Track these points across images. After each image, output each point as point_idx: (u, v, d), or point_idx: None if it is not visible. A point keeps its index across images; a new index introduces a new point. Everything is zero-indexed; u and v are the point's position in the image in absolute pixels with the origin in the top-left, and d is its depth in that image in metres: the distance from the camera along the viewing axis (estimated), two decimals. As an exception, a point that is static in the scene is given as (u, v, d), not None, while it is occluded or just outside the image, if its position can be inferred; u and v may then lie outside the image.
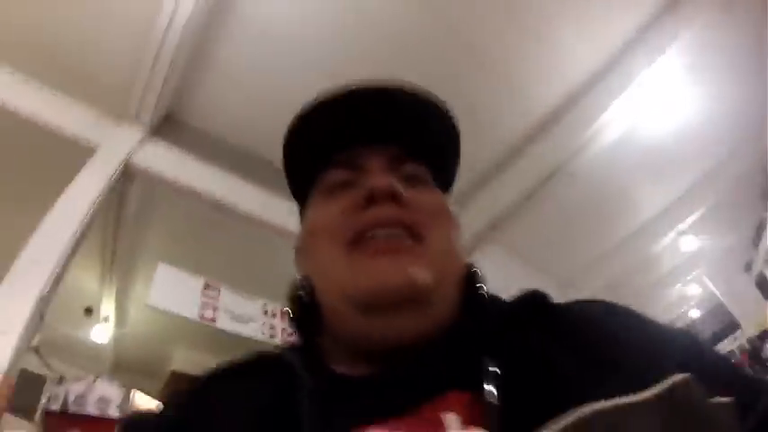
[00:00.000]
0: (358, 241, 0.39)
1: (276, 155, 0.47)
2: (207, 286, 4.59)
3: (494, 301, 0.42)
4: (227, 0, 2.94)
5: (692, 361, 0.33)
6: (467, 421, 0.31)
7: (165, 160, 3.63)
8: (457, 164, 0.48)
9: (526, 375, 0.33)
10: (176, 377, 8.16)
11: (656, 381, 0.28)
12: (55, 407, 4.18)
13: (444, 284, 0.39)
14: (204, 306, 4.38)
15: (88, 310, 7.53)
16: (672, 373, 0.28)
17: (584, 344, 0.35)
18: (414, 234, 0.39)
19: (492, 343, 0.35)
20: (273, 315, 4.40)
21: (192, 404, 0.43)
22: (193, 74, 3.44)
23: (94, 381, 4.29)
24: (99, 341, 7.51)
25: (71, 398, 4.15)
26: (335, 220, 0.41)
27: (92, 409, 4.08)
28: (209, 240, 5.57)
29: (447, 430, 0.31)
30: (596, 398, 0.27)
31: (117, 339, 8.26)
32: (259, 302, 4.43)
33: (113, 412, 4.10)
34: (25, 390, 5.58)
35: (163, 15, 2.77)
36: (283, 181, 0.49)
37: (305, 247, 0.45)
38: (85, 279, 6.66)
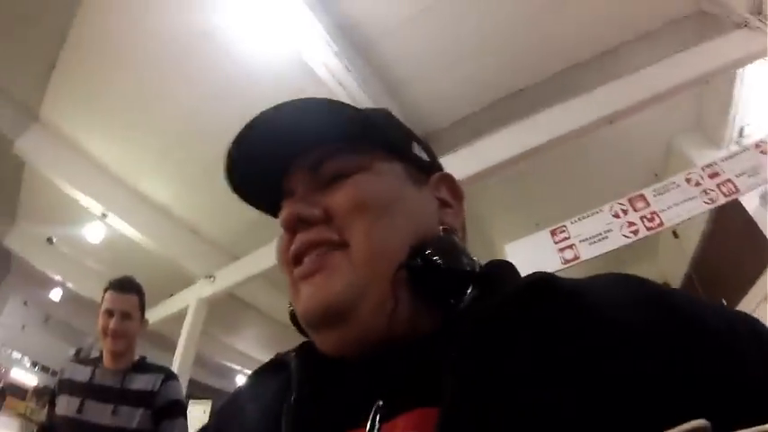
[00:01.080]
0: (290, 272, 0.40)
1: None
2: (554, 232, 4.64)
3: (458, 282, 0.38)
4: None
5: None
6: None
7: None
8: (384, 132, 0.44)
9: (479, 395, 0.27)
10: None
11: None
12: None
13: (374, 285, 0.36)
14: (562, 251, 4.43)
15: None
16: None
17: (579, 352, 0.27)
18: (331, 245, 0.38)
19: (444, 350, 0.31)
20: (624, 211, 4.05)
21: (226, 408, 0.47)
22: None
23: None
24: None
25: None
26: (280, 256, 0.42)
27: None
28: (530, 194, 5.76)
29: None
30: None
31: None
32: (603, 212, 4.16)
33: None
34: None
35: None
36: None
37: None
38: None
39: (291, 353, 0.44)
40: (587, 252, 4.19)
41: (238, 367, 14.35)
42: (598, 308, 0.29)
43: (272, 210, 0.46)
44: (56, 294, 12.35)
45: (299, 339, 0.44)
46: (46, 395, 3.56)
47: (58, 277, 11.62)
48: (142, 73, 4.91)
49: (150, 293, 7.12)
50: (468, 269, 0.39)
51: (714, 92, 4.50)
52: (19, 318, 17.69)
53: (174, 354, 8.17)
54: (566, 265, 4.32)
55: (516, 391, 0.26)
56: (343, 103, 0.41)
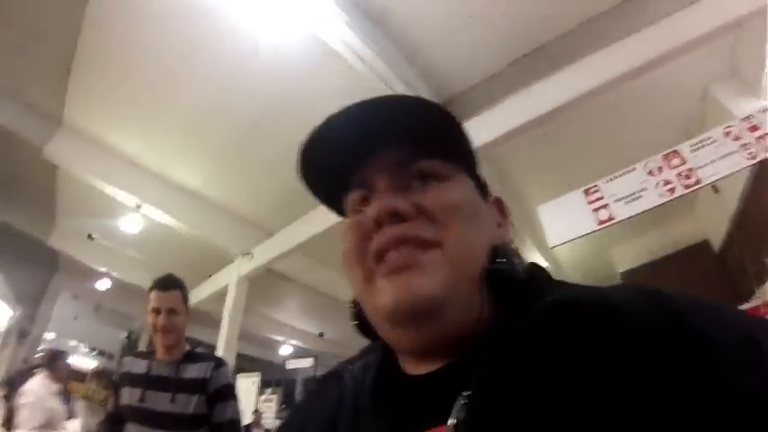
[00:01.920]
0: (376, 268, 0.40)
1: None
2: (587, 192, 4.52)
3: (523, 294, 0.38)
4: None
5: None
6: None
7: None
8: (465, 147, 0.45)
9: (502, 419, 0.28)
10: (628, 275, 8.26)
11: None
12: None
13: (463, 284, 0.38)
14: (596, 211, 4.30)
15: None
16: None
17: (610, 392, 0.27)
18: (423, 243, 0.38)
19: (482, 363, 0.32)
20: (659, 169, 3.88)
21: (288, 428, 0.51)
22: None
23: None
24: None
25: None
26: (355, 248, 0.42)
27: None
28: (561, 154, 5.62)
29: None
30: None
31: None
32: (637, 170, 4.00)
33: None
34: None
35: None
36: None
37: (344, 268, 0.44)
38: None
39: (347, 365, 0.48)
40: (622, 212, 4.07)
41: (282, 338, 14.88)
42: (624, 337, 0.29)
43: (330, 198, 0.47)
44: (102, 284, 13.13)
45: (337, 309, 0.44)
46: (104, 377, 3.81)
47: (102, 269, 12.26)
48: (156, 63, 4.96)
49: (191, 275, 7.50)
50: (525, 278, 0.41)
51: (749, 37, 4.19)
52: (71, 309, 18.79)
53: (218, 330, 8.61)
54: (600, 226, 4.21)
55: (534, 416, 0.27)
56: (433, 104, 0.42)
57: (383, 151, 0.43)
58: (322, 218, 6.38)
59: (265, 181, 6.63)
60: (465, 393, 0.32)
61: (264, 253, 7.81)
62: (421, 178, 0.42)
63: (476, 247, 0.40)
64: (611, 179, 4.18)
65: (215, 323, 9.09)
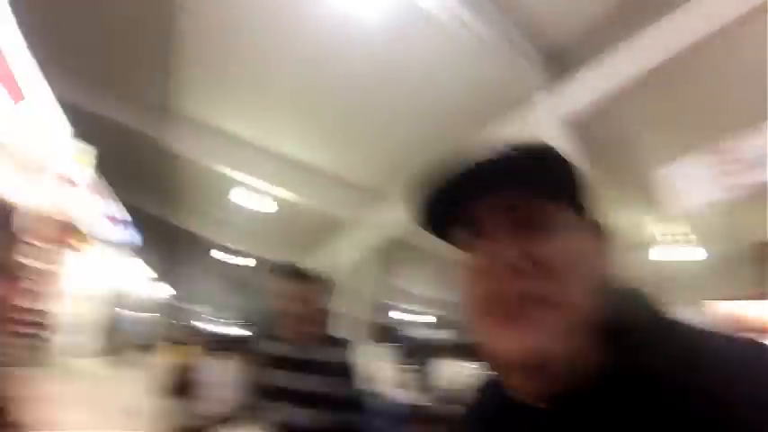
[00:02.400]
0: (487, 313, 0.41)
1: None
2: (715, 152, 3.91)
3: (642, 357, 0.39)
4: None
5: None
6: None
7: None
8: (574, 184, 0.45)
9: None
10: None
11: None
12: None
13: (573, 336, 0.40)
14: (724, 176, 3.70)
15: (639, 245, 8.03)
16: None
17: None
18: (540, 300, 0.39)
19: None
20: None
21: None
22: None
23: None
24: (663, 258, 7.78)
25: None
26: (469, 294, 0.43)
27: None
28: (683, 110, 4.92)
29: None
30: None
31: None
32: None
33: None
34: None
35: None
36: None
37: (461, 304, 0.46)
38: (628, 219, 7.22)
39: (477, 402, 0.55)
40: (754, 176, 3.48)
41: (411, 307, 15.49)
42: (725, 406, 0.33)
43: (437, 229, 0.49)
44: (233, 260, 14.64)
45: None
46: (250, 342, 4.22)
47: (231, 246, 13.62)
48: (255, 42, 5.13)
49: (309, 244, 8.55)
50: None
51: None
52: (211, 284, 21.30)
53: (341, 299, 8.92)
54: (730, 194, 3.60)
55: None
56: (545, 147, 0.43)
57: (494, 193, 0.43)
58: None
59: (379, 148, 6.66)
60: None
61: (383, 220, 7.82)
62: (531, 222, 0.42)
63: (585, 297, 0.41)
64: (744, 138, 3.56)
65: (341, 294, 9.19)
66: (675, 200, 4.09)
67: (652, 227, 7.42)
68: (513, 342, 0.38)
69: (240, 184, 8.44)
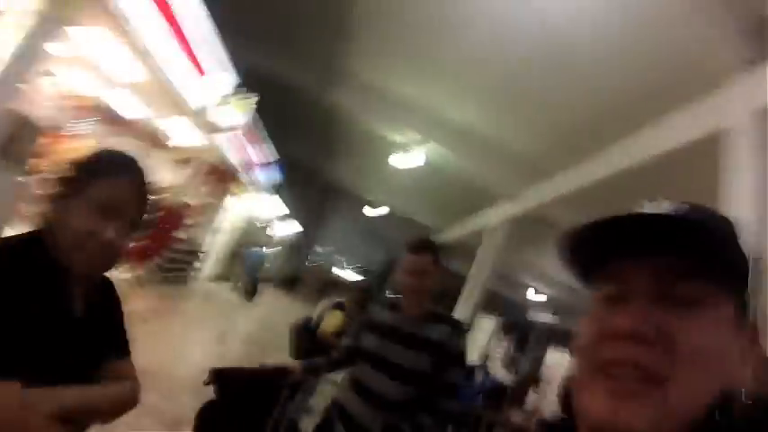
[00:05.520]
0: (598, 371, 0.41)
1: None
2: None
3: None
4: None
5: None
6: None
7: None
8: (741, 269, 0.42)
9: None
10: None
11: None
12: None
13: (673, 426, 0.38)
14: None
15: None
16: None
17: None
18: (651, 376, 0.38)
19: None
20: None
21: None
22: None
23: None
24: None
25: None
26: (588, 344, 0.43)
27: None
28: None
29: None
30: None
31: None
32: None
33: None
34: None
35: None
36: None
37: (575, 352, 0.45)
38: None
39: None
40: None
41: (532, 283, 15.14)
42: None
43: (580, 270, 0.48)
44: (373, 212, 15.13)
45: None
46: (359, 291, 4.37)
47: (372, 198, 14.39)
48: (426, 8, 5.03)
49: (456, 208, 9.40)
50: None
51: None
52: (343, 228, 23.18)
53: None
54: None
55: None
56: (721, 218, 0.43)
57: (654, 256, 0.41)
58: (597, 167, 5.64)
59: (540, 120, 6.19)
60: None
61: (531, 197, 7.51)
62: (681, 299, 0.40)
63: (704, 392, 0.39)
64: None
65: (471, 257, 9.37)
66: None
67: None
68: (611, 411, 0.38)
69: (397, 144, 8.60)
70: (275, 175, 10.76)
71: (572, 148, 6.04)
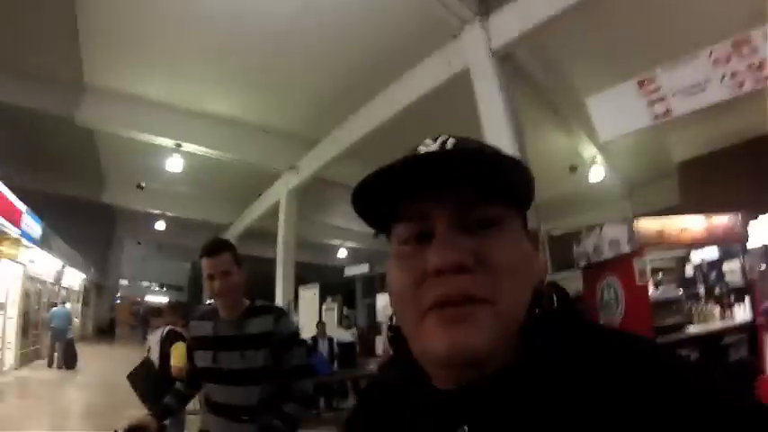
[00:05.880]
0: (428, 311, 0.41)
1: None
2: (642, 83, 4.10)
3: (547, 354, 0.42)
4: None
5: None
6: None
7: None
8: (530, 196, 0.47)
9: None
10: (686, 165, 7.78)
11: None
12: (582, 262, 5.01)
13: (508, 336, 0.42)
14: (651, 105, 3.90)
15: (572, 168, 8.51)
16: None
17: None
18: (479, 299, 0.40)
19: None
20: (726, 58, 3.33)
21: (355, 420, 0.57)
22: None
23: (600, 230, 4.66)
24: (597, 179, 8.35)
25: (590, 251, 4.81)
26: (408, 291, 0.43)
27: (608, 253, 4.54)
28: (614, 40, 5.05)
29: None
30: None
31: (616, 170, 8.84)
32: (701, 59, 3.51)
33: (625, 248, 4.37)
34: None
35: None
36: None
37: (392, 305, 0.46)
38: (561, 141, 7.71)
39: (383, 378, 0.57)
40: (681, 106, 3.68)
41: (339, 242, 15.67)
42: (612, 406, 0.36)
43: (374, 220, 0.47)
44: (161, 225, 13.98)
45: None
46: (177, 308, 4.13)
47: (157, 211, 13.05)
48: (163, 7, 4.75)
49: (242, 196, 9.15)
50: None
51: None
52: (138, 254, 20.54)
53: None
54: (657, 121, 3.86)
55: None
56: (500, 151, 0.43)
57: (448, 190, 0.42)
58: (363, 122, 6.32)
59: (300, 93, 6.52)
60: (465, 427, 0.41)
61: (310, 164, 7.95)
62: (486, 225, 0.42)
63: (523, 302, 0.43)
64: (669, 68, 3.74)
65: (273, 238, 9.56)
66: (603, 127, 4.30)
67: (583, 150, 7.84)
68: (452, 340, 0.39)
69: (165, 149, 8.03)
70: (37, 224, 8.71)
71: (337, 112, 6.55)
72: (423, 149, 0.45)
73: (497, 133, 4.37)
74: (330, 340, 7.07)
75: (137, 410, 1.91)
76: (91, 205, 12.56)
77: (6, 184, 6.73)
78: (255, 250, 12.99)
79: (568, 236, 7.05)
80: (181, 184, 10.85)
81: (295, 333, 1.80)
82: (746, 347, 4.41)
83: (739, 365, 3.84)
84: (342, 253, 16.62)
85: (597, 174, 8.27)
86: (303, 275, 10.24)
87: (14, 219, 7.31)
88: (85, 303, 14.97)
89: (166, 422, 1.89)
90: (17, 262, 7.94)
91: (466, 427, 0.41)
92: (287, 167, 8.36)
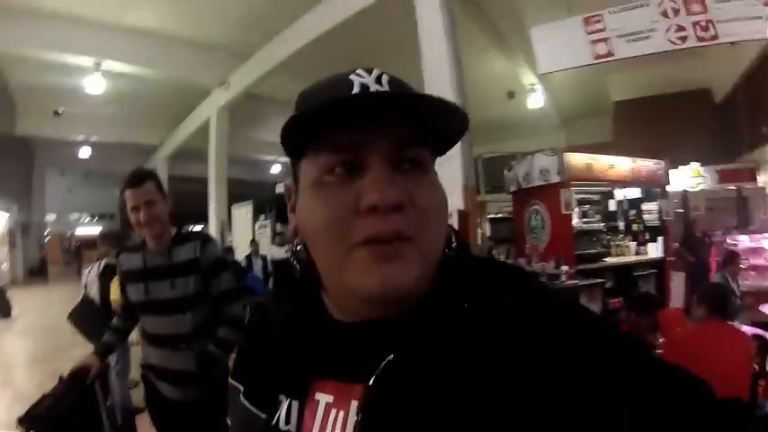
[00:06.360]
0: (356, 247, 0.40)
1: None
2: (587, 21, 4.10)
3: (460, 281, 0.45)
4: None
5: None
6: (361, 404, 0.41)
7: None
8: (455, 143, 0.48)
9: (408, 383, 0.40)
10: (621, 106, 8.15)
11: None
12: (513, 187, 5.16)
13: (430, 273, 0.43)
14: (594, 44, 3.93)
15: (510, 94, 8.56)
16: None
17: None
18: (408, 237, 0.40)
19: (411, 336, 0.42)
20: (675, 11, 3.40)
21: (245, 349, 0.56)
22: None
23: (532, 158, 4.79)
24: (534, 107, 8.50)
25: (521, 177, 4.96)
26: (333, 224, 0.41)
27: (538, 180, 4.70)
28: None
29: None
30: None
31: (554, 100, 8.97)
32: (651, 6, 3.54)
33: (554, 178, 4.53)
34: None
35: None
36: None
37: (305, 236, 0.46)
38: (502, 66, 7.59)
39: (275, 304, 0.55)
40: (623, 50, 3.74)
41: (272, 158, 15.39)
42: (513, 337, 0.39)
43: (289, 145, 0.46)
44: (85, 152, 12.97)
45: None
46: (111, 237, 3.98)
47: (80, 137, 12.01)
48: None
49: (170, 115, 8.53)
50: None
51: None
52: (62, 186, 18.95)
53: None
54: (597, 61, 3.91)
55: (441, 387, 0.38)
56: (445, 99, 0.41)
57: (385, 126, 0.42)
58: (297, 35, 6.04)
59: (231, 2, 6.05)
60: (390, 357, 0.41)
61: (242, 79, 7.59)
62: (416, 165, 0.43)
63: (442, 242, 0.45)
64: (618, 11, 3.75)
65: (205, 157, 9.22)
66: (544, 59, 4.33)
67: (523, 77, 7.89)
68: (383, 278, 0.39)
69: (83, 69, 7.26)
70: None
71: (270, 24, 6.18)
72: (357, 80, 0.43)
73: (435, 51, 4.28)
74: (264, 258, 6.96)
75: (83, 350, 1.84)
76: (3, 139, 11.26)
77: None
78: (188, 170, 12.52)
79: (501, 159, 7.37)
80: (104, 107, 9.92)
81: (221, 258, 1.81)
82: (654, 281, 4.92)
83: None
84: (276, 168, 16.24)
85: (535, 101, 8.38)
86: (238, 193, 9.93)
87: None
88: (12, 246, 13.87)
89: (109, 359, 1.89)
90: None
91: (391, 357, 0.41)
92: (217, 83, 7.93)
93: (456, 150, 3.40)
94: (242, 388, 0.52)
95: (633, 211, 5.39)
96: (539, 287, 0.45)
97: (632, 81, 7.33)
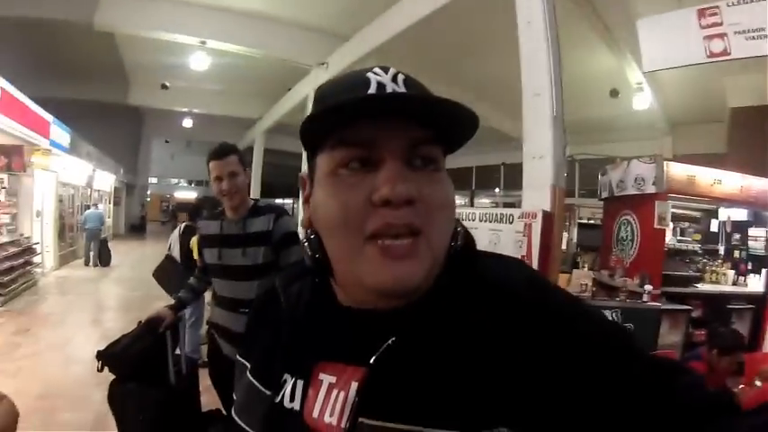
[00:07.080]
0: (370, 240, 0.42)
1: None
2: (702, 13, 3.68)
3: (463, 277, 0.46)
4: None
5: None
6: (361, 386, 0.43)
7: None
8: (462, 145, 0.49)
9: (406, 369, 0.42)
10: (739, 113, 7.13)
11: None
12: (605, 193, 4.82)
13: (437, 266, 0.44)
14: (708, 39, 3.53)
15: (614, 92, 7.89)
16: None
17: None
18: (418, 230, 0.42)
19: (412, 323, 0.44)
20: None
21: (251, 324, 0.62)
22: None
23: (628, 164, 4.43)
24: (640, 108, 7.70)
25: (614, 183, 4.61)
26: (348, 214, 0.43)
27: (632, 189, 4.34)
28: None
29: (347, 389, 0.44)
30: None
31: (662, 102, 8.22)
32: None
33: (649, 188, 4.16)
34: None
35: None
36: None
37: (319, 226, 0.47)
38: (606, 61, 7.03)
39: (285, 285, 0.55)
40: (742, 48, 3.31)
41: None
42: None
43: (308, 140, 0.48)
44: (188, 122, 14.16)
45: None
46: (198, 207, 4.34)
47: (184, 109, 13.12)
48: None
49: (269, 91, 9.32)
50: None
51: None
52: (166, 152, 20.97)
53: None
54: (710, 60, 3.50)
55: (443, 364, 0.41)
56: (460, 103, 0.42)
57: (403, 124, 0.43)
58: (398, 19, 6.02)
59: None
60: (392, 339, 0.43)
61: (340, 60, 7.69)
62: (423, 160, 0.44)
63: (449, 237, 0.46)
64: (737, 3, 3.34)
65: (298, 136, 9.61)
66: (650, 56, 3.97)
67: (629, 74, 7.23)
68: (395, 274, 0.41)
69: (190, 47, 7.90)
70: (65, 132, 8.82)
71: (370, 8, 6.25)
72: (374, 78, 0.45)
73: (533, 42, 3.93)
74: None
75: (165, 302, 2.04)
76: (117, 108, 12.76)
77: (33, 97, 6.74)
78: (284, 145, 13.26)
79: (599, 162, 6.84)
80: (207, 82, 10.81)
81: (293, 232, 1.87)
82: (750, 319, 4.31)
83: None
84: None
85: (641, 102, 7.57)
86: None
87: (43, 130, 7.42)
88: (117, 203, 15.65)
89: (183, 313, 2.08)
90: (50, 171, 8.17)
91: (393, 339, 0.43)
92: (316, 64, 8.13)
93: (547, 149, 3.28)
94: (249, 365, 0.55)
95: (738, 236, 4.81)
96: (539, 279, 0.48)
97: (754, 85, 6.40)
